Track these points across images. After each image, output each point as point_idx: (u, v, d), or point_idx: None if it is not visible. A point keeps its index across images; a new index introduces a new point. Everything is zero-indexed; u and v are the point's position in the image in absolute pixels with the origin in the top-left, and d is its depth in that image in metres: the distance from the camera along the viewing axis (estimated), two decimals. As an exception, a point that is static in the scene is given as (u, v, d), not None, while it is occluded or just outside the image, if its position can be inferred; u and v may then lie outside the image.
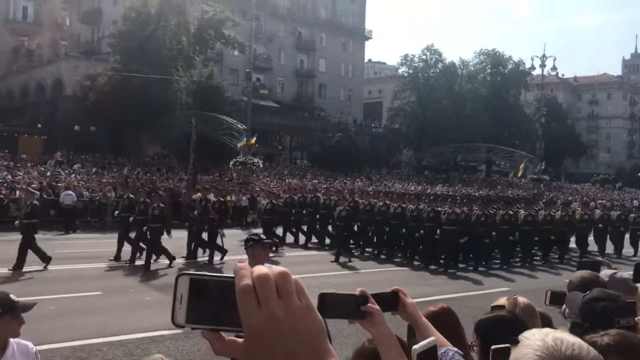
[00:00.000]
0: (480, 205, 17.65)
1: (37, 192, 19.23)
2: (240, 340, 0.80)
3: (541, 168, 42.60)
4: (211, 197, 16.22)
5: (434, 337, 1.99)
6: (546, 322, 3.87)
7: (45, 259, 13.07)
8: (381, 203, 18.16)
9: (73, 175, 29.67)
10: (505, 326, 2.42)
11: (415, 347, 1.30)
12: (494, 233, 16.81)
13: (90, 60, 47.34)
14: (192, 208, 15.59)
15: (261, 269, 0.79)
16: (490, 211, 17.69)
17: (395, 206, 17.53)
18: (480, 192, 41.28)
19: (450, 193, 34.38)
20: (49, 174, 29.11)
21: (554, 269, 16.89)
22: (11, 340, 3.24)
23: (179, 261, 14.52)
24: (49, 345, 7.56)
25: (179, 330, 8.41)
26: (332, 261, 16.06)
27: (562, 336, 1.28)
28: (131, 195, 15.78)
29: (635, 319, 2.37)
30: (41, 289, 11.13)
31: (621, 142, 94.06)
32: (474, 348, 2.60)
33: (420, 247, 16.79)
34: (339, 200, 18.32)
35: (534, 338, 1.29)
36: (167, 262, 14.07)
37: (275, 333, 0.77)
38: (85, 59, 47.64)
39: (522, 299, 3.53)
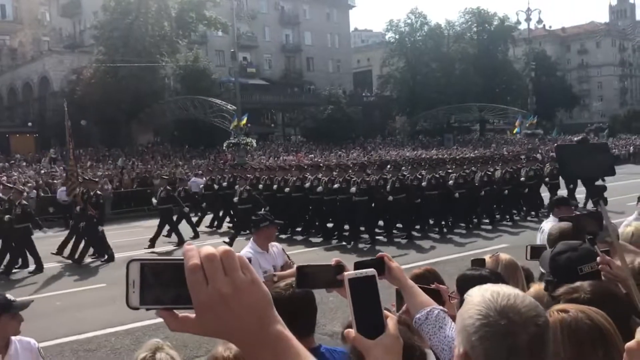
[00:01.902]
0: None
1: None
2: (193, 316, 0.87)
3: (533, 122, 42.58)
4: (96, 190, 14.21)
5: (417, 294, 2.11)
6: (528, 277, 4.02)
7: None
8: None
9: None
10: (484, 282, 2.55)
11: (346, 273, 1.37)
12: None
13: (74, 53, 46.92)
14: (76, 203, 14.03)
15: (208, 249, 0.87)
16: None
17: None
18: (476, 152, 41.31)
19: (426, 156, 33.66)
20: (44, 171, 29.14)
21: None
22: (13, 338, 3.37)
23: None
24: (57, 340, 7.75)
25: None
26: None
27: (499, 289, 1.39)
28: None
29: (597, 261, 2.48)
30: (45, 286, 11.32)
31: (613, 89, 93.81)
32: (454, 299, 2.74)
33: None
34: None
35: (474, 294, 1.40)
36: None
37: (224, 307, 0.85)
38: (69, 53, 47.20)
39: (504, 256, 3.67)
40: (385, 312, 1.29)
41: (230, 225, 17.68)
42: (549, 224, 6.08)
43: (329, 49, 65.53)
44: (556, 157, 20.83)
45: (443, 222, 16.08)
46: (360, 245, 14.44)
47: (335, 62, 66.46)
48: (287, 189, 16.27)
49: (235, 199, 15.81)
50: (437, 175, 16.09)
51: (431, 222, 16.12)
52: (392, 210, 15.25)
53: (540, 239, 6.13)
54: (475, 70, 58.38)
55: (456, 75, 59.03)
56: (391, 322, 1.28)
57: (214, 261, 0.85)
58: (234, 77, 37.34)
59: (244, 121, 32.60)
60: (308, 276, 1.72)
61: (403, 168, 18.64)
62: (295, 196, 16.06)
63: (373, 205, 15.21)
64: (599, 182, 18.30)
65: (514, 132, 45.23)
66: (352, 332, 1.25)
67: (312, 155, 39.30)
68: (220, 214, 18.39)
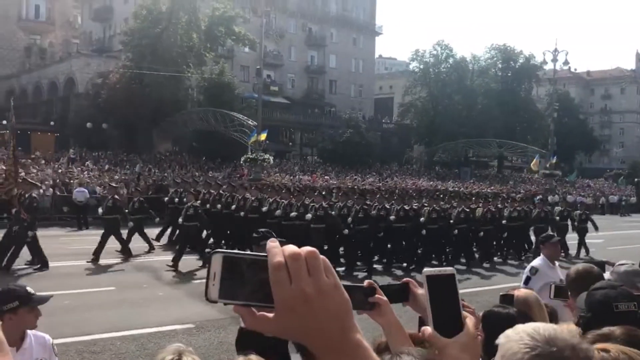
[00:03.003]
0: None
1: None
2: (271, 315, 0.84)
3: (553, 162, 42.32)
4: (34, 193, 13.52)
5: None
6: (552, 315, 3.96)
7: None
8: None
9: (85, 172, 29.93)
10: (511, 320, 2.50)
11: (426, 269, 1.36)
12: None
13: (101, 57, 47.62)
14: (11, 204, 13.37)
15: (293, 248, 0.85)
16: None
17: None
18: (492, 187, 41.12)
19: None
20: (61, 170, 29.39)
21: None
22: (28, 331, 3.34)
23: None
24: (63, 339, 7.69)
25: (190, 325, 8.54)
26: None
27: (537, 325, 1.35)
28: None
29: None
30: (55, 284, 11.30)
31: (635, 136, 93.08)
32: (479, 335, 2.68)
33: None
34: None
35: (511, 333, 1.35)
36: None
37: (306, 308, 0.82)
38: (96, 57, 47.91)
39: (529, 292, 3.61)
40: (464, 312, 1.28)
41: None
42: (538, 262, 6.03)
43: (352, 73, 65.99)
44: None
45: (415, 258, 15.14)
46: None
47: (357, 86, 66.85)
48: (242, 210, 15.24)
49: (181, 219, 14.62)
50: (407, 208, 15.14)
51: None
52: (354, 240, 14.24)
53: (526, 275, 6.10)
54: (497, 106, 58.37)
55: (478, 109, 59.04)
56: (470, 321, 1.27)
57: (299, 260, 0.84)
58: (257, 93, 37.63)
59: (264, 136, 32.77)
60: None
61: (368, 197, 16.57)
62: (252, 217, 14.89)
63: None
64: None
65: (534, 168, 44.75)
66: (428, 329, 1.25)
67: (328, 177, 39.32)
68: (169, 228, 17.21)
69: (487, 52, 63.31)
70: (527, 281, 5.92)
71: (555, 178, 45.12)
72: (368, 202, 15.14)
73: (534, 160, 43.12)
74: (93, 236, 19.04)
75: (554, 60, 42.11)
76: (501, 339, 1.36)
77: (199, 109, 40.24)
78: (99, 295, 10.66)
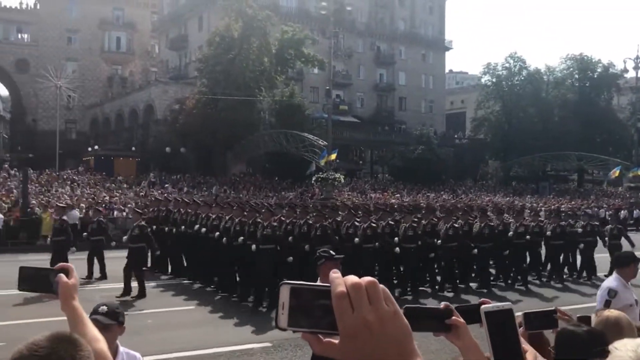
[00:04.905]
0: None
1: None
2: (336, 341, 0.90)
3: (637, 174, 40.20)
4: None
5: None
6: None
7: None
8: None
9: (164, 195, 31.06)
10: (586, 341, 2.44)
11: (484, 306, 1.37)
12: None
13: (178, 84, 49.55)
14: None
15: (354, 278, 0.90)
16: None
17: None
18: (573, 202, 39.47)
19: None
20: (142, 194, 30.67)
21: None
22: (121, 348, 3.50)
23: None
24: (146, 358, 7.98)
25: (268, 344, 8.65)
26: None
27: None
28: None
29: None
30: (139, 304, 11.76)
31: None
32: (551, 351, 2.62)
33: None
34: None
35: (625, 348, 1.31)
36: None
37: (367, 335, 0.87)
38: (173, 84, 49.92)
39: (621, 314, 3.44)
40: (524, 346, 1.27)
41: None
42: (614, 283, 5.71)
43: (422, 89, 65.52)
44: None
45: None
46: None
47: (428, 102, 66.25)
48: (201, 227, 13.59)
49: (125, 238, 13.59)
50: (374, 225, 13.10)
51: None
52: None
53: (604, 298, 5.79)
54: (575, 117, 56.23)
55: (554, 121, 57.10)
56: (530, 355, 1.26)
57: (360, 290, 0.89)
58: (327, 113, 37.99)
59: (334, 155, 32.99)
60: (415, 318, 1.66)
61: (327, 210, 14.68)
62: (211, 237, 13.12)
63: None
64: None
65: (614, 175, 42.42)
66: None
67: (399, 195, 39.01)
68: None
69: (562, 62, 61.32)
70: (607, 304, 5.65)
71: (641, 191, 42.83)
72: (415, 219, 13.73)
73: (613, 170, 41.19)
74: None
75: (636, 67, 40.27)
76: (611, 349, 1.34)
77: (271, 131, 41.08)
78: (180, 315, 10.98)
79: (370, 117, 59.83)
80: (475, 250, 13.77)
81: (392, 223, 13.41)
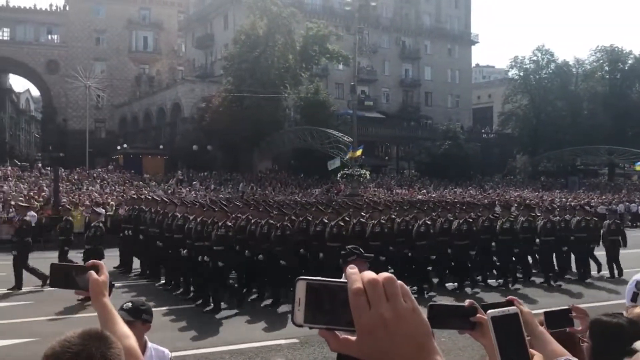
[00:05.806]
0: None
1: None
2: (353, 338, 0.89)
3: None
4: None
5: (548, 342, 1.98)
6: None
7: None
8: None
9: (192, 192, 31.40)
10: (621, 332, 2.39)
11: (490, 310, 1.36)
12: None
13: (204, 83, 49.96)
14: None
15: (371, 274, 0.89)
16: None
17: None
18: (603, 197, 38.73)
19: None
20: (170, 191, 31.03)
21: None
22: (150, 344, 3.56)
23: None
24: (175, 353, 8.09)
25: (295, 340, 8.69)
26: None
27: None
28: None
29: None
30: (167, 301, 11.91)
31: None
32: (585, 343, 2.58)
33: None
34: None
35: None
36: None
37: (384, 331, 0.86)
38: (200, 82, 50.34)
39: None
40: (531, 350, 1.27)
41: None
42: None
43: (448, 84, 64.93)
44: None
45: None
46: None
47: (454, 97, 65.64)
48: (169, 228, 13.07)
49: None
50: (341, 224, 12.34)
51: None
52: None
53: (632, 291, 5.62)
54: (605, 110, 55.15)
55: (584, 115, 56.11)
56: (538, 359, 1.25)
57: (377, 286, 0.87)
58: (352, 109, 37.91)
59: (360, 151, 32.93)
60: (440, 316, 1.66)
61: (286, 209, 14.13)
62: (177, 238, 12.61)
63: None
64: None
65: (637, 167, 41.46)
66: None
67: (425, 191, 38.77)
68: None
69: (591, 54, 60.23)
70: (634, 298, 5.51)
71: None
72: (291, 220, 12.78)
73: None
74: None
75: (669, 58, 39.22)
76: (637, 345, 1.34)
77: (296, 127, 41.18)
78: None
79: (395, 113, 59.51)
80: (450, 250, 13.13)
81: (363, 221, 12.75)
